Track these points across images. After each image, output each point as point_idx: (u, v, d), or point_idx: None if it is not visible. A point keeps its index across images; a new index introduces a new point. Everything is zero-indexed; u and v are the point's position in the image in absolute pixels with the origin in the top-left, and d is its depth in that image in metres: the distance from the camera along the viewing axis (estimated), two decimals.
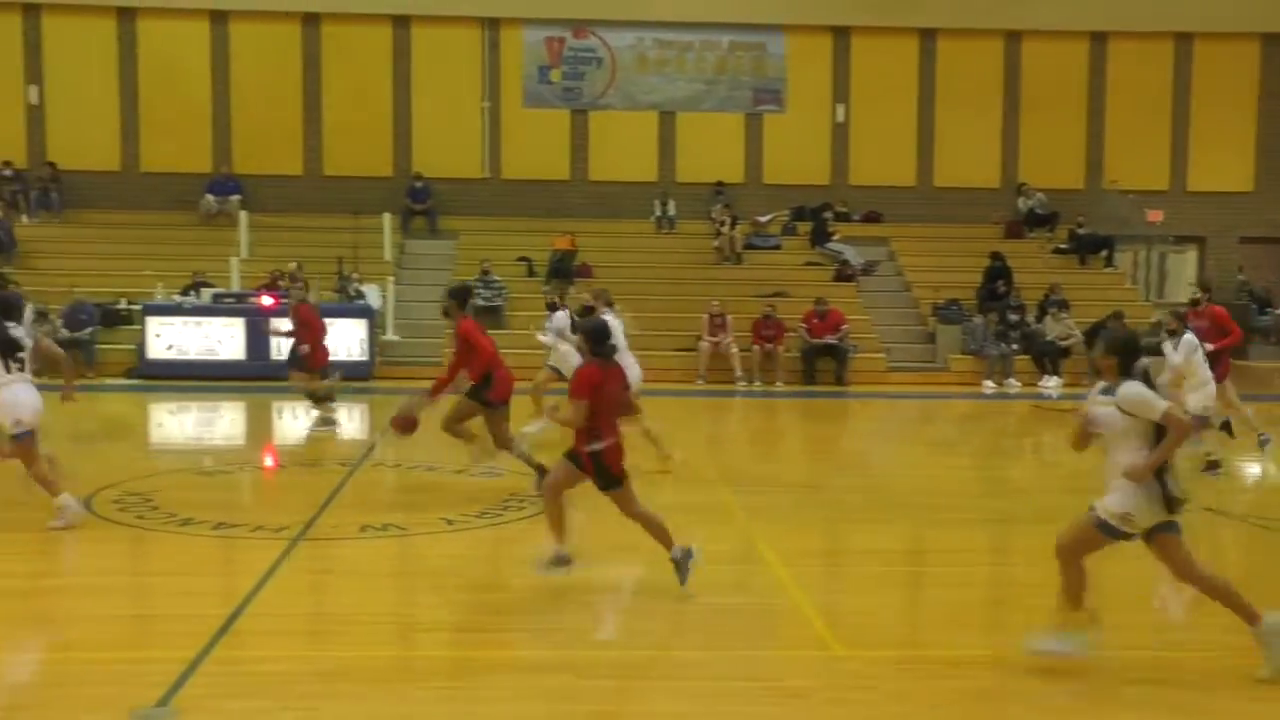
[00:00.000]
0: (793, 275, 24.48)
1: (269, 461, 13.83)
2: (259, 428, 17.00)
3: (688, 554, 7.96)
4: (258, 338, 20.19)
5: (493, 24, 25.78)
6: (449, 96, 25.64)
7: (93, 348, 20.40)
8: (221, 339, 20.30)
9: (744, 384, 21.47)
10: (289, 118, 25.35)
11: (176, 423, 17.76)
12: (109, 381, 19.89)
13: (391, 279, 22.63)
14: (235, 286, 21.65)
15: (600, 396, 7.71)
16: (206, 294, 21.09)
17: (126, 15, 24.99)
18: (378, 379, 20.56)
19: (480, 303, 22.49)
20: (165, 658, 6.79)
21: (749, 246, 25.26)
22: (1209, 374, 12.23)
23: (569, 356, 13.94)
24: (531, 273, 24.04)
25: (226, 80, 25.27)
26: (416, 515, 10.54)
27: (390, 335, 21.89)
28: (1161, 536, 6.48)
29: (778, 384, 21.66)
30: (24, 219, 24.00)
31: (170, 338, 20.34)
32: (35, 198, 24.27)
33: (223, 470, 12.91)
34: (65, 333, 20.27)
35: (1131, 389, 6.39)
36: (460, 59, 25.71)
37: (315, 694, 6.33)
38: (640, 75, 26.33)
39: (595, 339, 7.93)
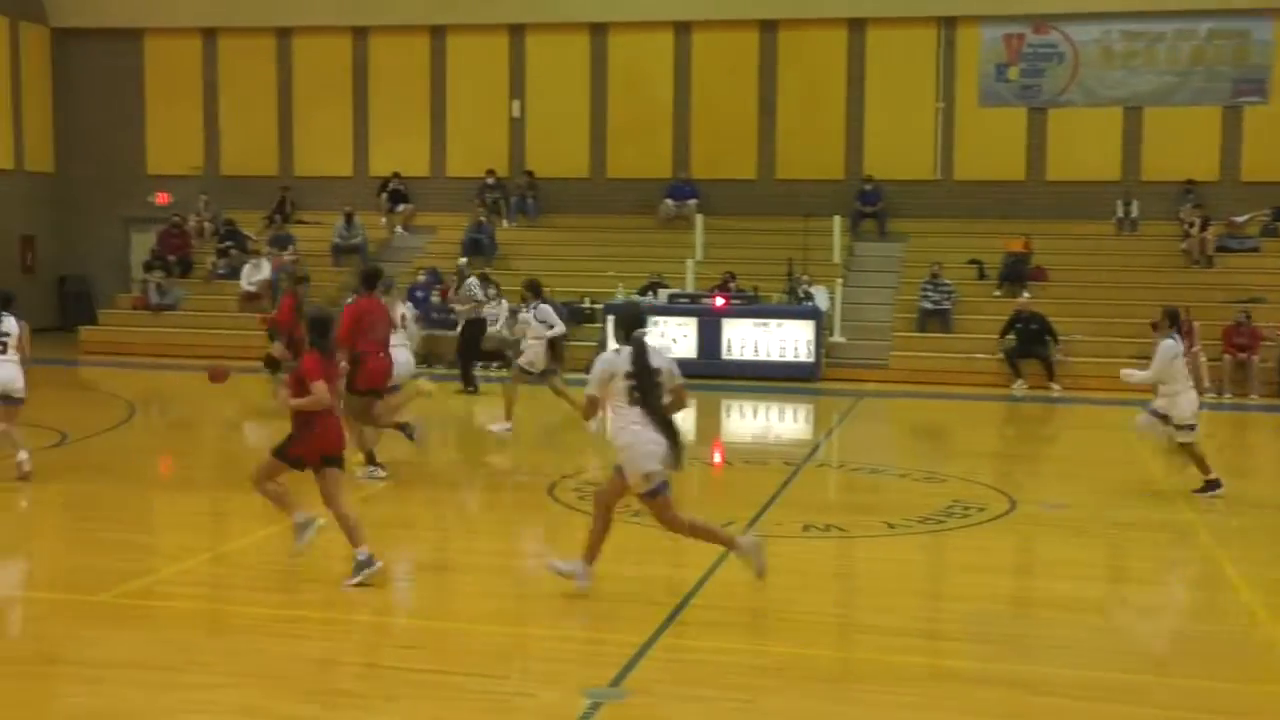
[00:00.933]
0: (1272, 280, 22.53)
1: (716, 458, 14.24)
2: (708, 425, 17.54)
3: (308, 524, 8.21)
4: (710, 337, 20.85)
5: (949, 23, 25.35)
6: (902, 98, 25.44)
7: (560, 344, 21.72)
8: (675, 338, 21.08)
9: (1212, 396, 19.98)
10: (745, 123, 25.99)
11: None
12: (573, 376, 21.10)
13: (840, 281, 22.74)
14: (689, 287, 22.45)
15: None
16: (662, 294, 21.99)
17: (598, 30, 26.48)
18: (825, 380, 20.71)
19: (928, 306, 22.20)
20: (617, 641, 7.15)
21: (1221, 249, 23.48)
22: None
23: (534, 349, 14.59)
24: (982, 275, 23.45)
25: (687, 88, 26.24)
26: (858, 517, 10.55)
27: (837, 337, 22.00)
28: None
29: (1252, 396, 20.04)
30: (504, 223, 25.95)
31: None
32: (514, 204, 26.19)
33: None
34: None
35: None
36: (914, 59, 25.45)
37: (754, 687, 6.47)
38: (1105, 69, 25.08)
39: (317, 331, 8.32)
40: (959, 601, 8.29)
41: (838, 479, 12.97)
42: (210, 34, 27.58)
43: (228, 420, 16.64)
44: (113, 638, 7.09)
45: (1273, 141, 24.37)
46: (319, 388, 8.04)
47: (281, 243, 24.91)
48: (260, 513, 10.57)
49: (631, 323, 8.39)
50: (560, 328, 15.03)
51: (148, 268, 25.32)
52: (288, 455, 8.23)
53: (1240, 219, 24.06)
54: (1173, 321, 11.57)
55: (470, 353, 19.31)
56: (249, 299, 23.56)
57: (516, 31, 26.65)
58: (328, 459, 8.22)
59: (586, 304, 22.69)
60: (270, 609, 7.74)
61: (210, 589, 8.38)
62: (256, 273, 23.70)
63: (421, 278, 23.38)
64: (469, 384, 18.80)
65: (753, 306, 21.43)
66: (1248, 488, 13.22)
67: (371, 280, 11.77)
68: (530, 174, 26.28)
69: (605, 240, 24.92)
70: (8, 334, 11.16)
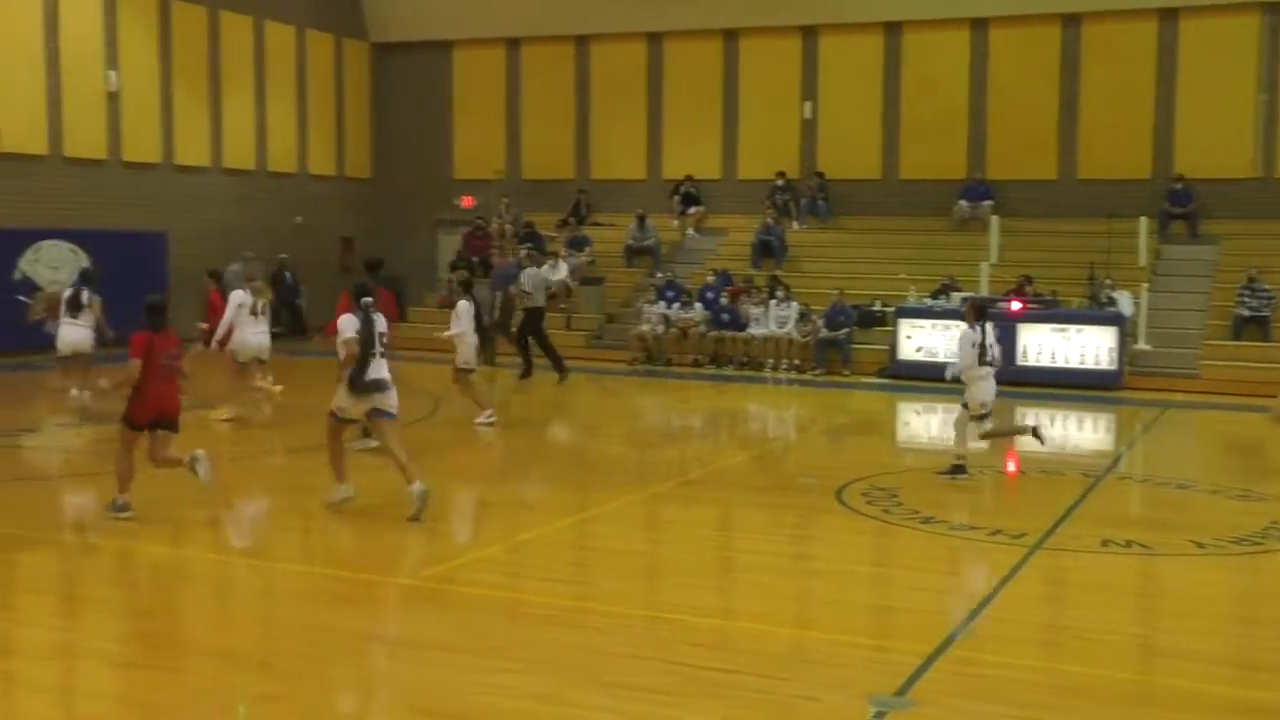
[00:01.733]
0: None
1: (1011, 466, 13.80)
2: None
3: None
4: (1005, 342, 20.14)
5: (1273, 8, 23.76)
6: (1218, 91, 24.00)
7: (849, 347, 21.58)
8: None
9: None
10: (1044, 121, 25.10)
11: (923, 423, 18.29)
12: (862, 380, 20.93)
13: (1145, 286, 21.66)
14: (983, 291, 21.86)
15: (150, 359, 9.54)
16: (955, 297, 21.50)
17: (892, 29, 26.11)
18: (1127, 389, 19.78)
19: (1245, 312, 20.90)
20: (903, 649, 7.04)
21: None
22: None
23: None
24: None
25: (983, 87, 25.56)
26: (1164, 534, 10.03)
27: (1142, 344, 20.96)
28: None
29: None
30: (794, 225, 25.92)
31: (920, 339, 20.98)
32: (804, 205, 26.13)
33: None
34: (825, 332, 21.63)
35: None
36: (1233, 49, 23.97)
37: (1046, 705, 6.25)
38: None
39: (150, 313, 9.81)
40: (1275, 629, 7.77)
41: (1141, 493, 12.37)
42: (514, 44, 28.66)
43: (525, 415, 17.23)
44: (418, 618, 7.47)
45: None
46: (134, 364, 9.64)
47: (577, 244, 25.64)
48: (555, 505, 10.94)
49: (360, 292, 10.26)
50: (457, 328, 14.98)
51: (452, 268, 26.54)
52: (128, 419, 9.80)
53: None
54: (979, 314, 12.04)
55: (526, 338, 20.05)
56: (551, 297, 24.33)
57: (809, 33, 26.58)
58: (158, 423, 9.85)
59: (877, 307, 22.41)
60: (563, 599, 7.98)
61: (507, 577, 8.71)
62: (554, 272, 24.46)
63: (711, 279, 23.62)
64: (527, 369, 19.73)
65: (1051, 311, 20.68)
66: None
67: (374, 268, 13.82)
68: (821, 175, 26.16)
69: (897, 242, 24.56)
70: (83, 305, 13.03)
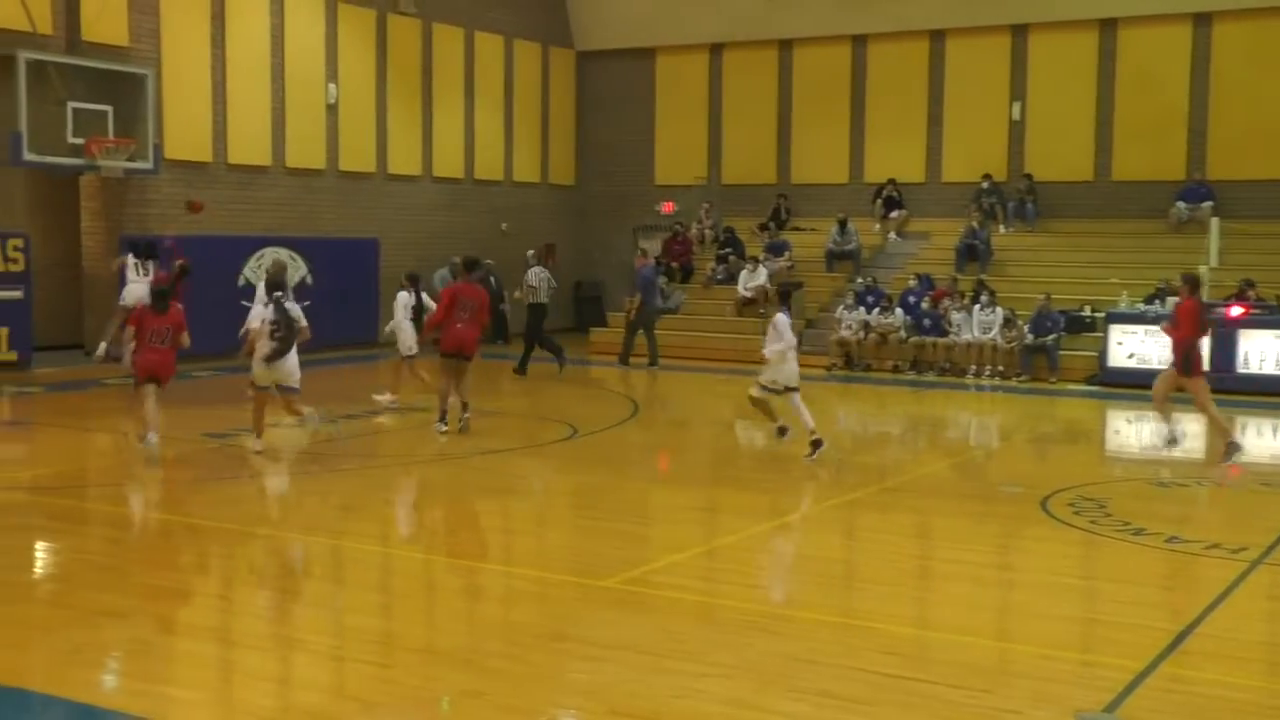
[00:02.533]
0: None
1: (1230, 478, 13.19)
2: (1220, 442, 16.27)
3: None
4: (1224, 349, 19.37)
5: None
6: None
7: (1056, 353, 20.95)
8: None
9: None
10: (1271, 118, 23.90)
11: (1134, 431, 17.63)
12: (1069, 387, 20.30)
13: None
14: (1202, 296, 20.92)
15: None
16: (1170, 302, 20.64)
17: (1107, 26, 25.25)
18: None
19: None
20: (1112, 665, 6.81)
21: None
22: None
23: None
24: None
25: (1205, 83, 24.48)
26: None
27: None
28: None
29: None
30: (1000, 229, 25.30)
31: (1131, 346, 20.22)
32: (1011, 208, 25.47)
33: (1179, 483, 12.58)
34: (1030, 338, 21.04)
35: None
36: None
37: None
38: None
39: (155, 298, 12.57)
40: None
41: None
42: (717, 49, 28.75)
43: (723, 419, 17.27)
44: (614, 620, 7.56)
45: None
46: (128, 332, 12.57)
47: (777, 249, 25.57)
48: (750, 511, 10.94)
49: (274, 286, 12.68)
50: (394, 320, 16.56)
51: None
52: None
53: None
54: (783, 299, 13.58)
55: (534, 337, 20.62)
56: (746, 303, 24.36)
57: (1019, 32, 25.92)
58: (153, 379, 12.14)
59: (1087, 312, 21.70)
60: (757, 605, 7.97)
61: (702, 581, 8.74)
62: (753, 278, 24.46)
63: (912, 283, 23.26)
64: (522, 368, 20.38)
65: (1275, 317, 19.70)
66: None
67: (471, 266, 15.16)
68: (1029, 177, 25.47)
69: (1109, 245, 23.73)
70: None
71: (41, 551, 9.48)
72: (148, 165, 19.92)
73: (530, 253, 22.78)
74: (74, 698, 6.29)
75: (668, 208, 28.64)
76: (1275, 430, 17.09)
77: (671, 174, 29.06)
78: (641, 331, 22.15)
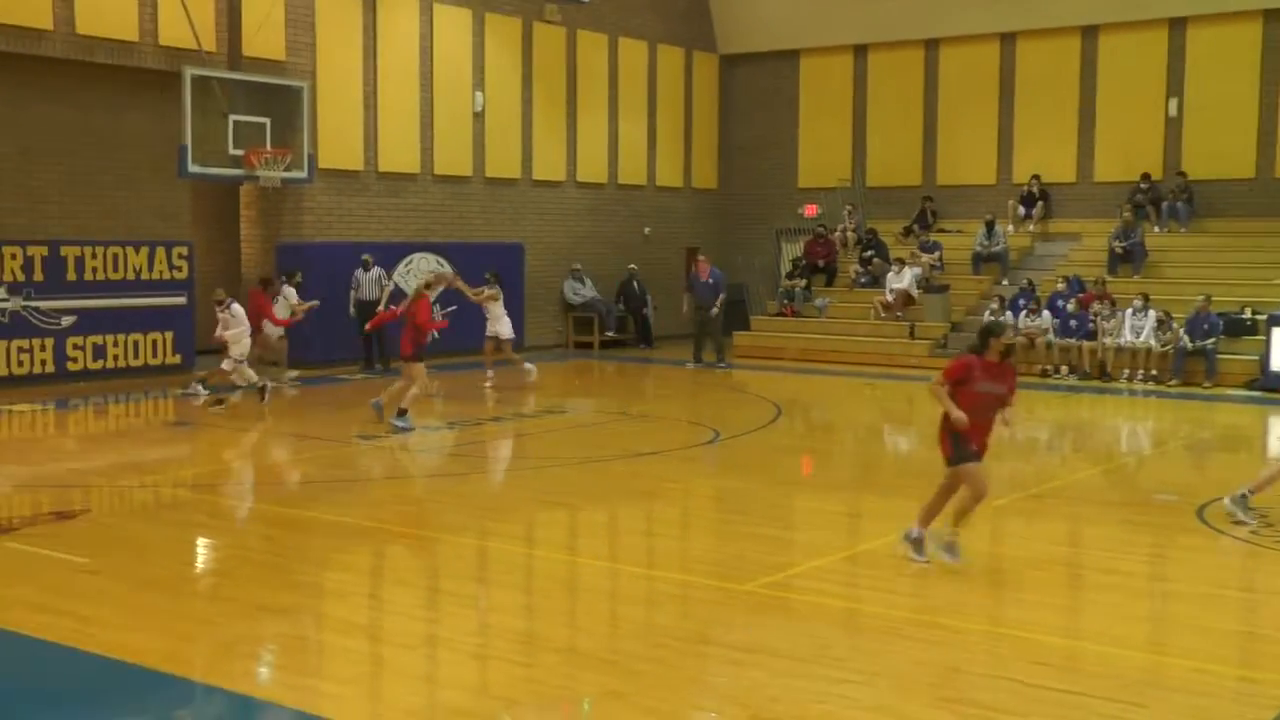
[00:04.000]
0: None
1: None
2: None
3: None
4: None
5: None
6: None
7: (1214, 357, 20.27)
8: None
9: None
10: None
11: None
12: (1229, 392, 19.63)
13: None
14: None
15: None
16: None
17: (1272, 16, 24.35)
18: None
19: None
20: (1272, 681, 6.61)
21: None
22: None
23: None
24: None
25: None
26: None
27: None
28: None
29: None
30: (1155, 229, 24.58)
31: None
32: (1165, 208, 24.72)
33: None
34: (1187, 341, 20.40)
35: None
36: None
37: None
38: None
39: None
40: None
41: None
42: (861, 50, 28.50)
43: (867, 424, 17.13)
44: (754, 624, 7.56)
45: None
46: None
47: (929, 249, 25.25)
48: (894, 515, 10.82)
49: None
50: (234, 328, 16.83)
51: (790, 276, 26.72)
52: None
53: None
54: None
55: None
56: (889, 306, 24.10)
57: (1176, 25, 25.14)
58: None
59: (1247, 314, 20.95)
60: (901, 611, 7.89)
61: (844, 587, 8.69)
62: (898, 280, 24.19)
63: (1061, 286, 22.74)
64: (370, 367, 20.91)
65: None
66: None
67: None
68: (1183, 175, 24.69)
69: (1271, 245, 22.88)
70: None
71: (203, 547, 9.86)
72: (303, 175, 20.53)
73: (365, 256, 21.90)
74: (232, 689, 6.53)
75: (810, 210, 28.47)
76: None
77: (814, 177, 28.87)
78: (709, 336, 22.77)
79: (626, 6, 27.61)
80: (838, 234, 27.26)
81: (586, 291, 26.26)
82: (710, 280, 22.68)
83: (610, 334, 26.25)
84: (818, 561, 9.15)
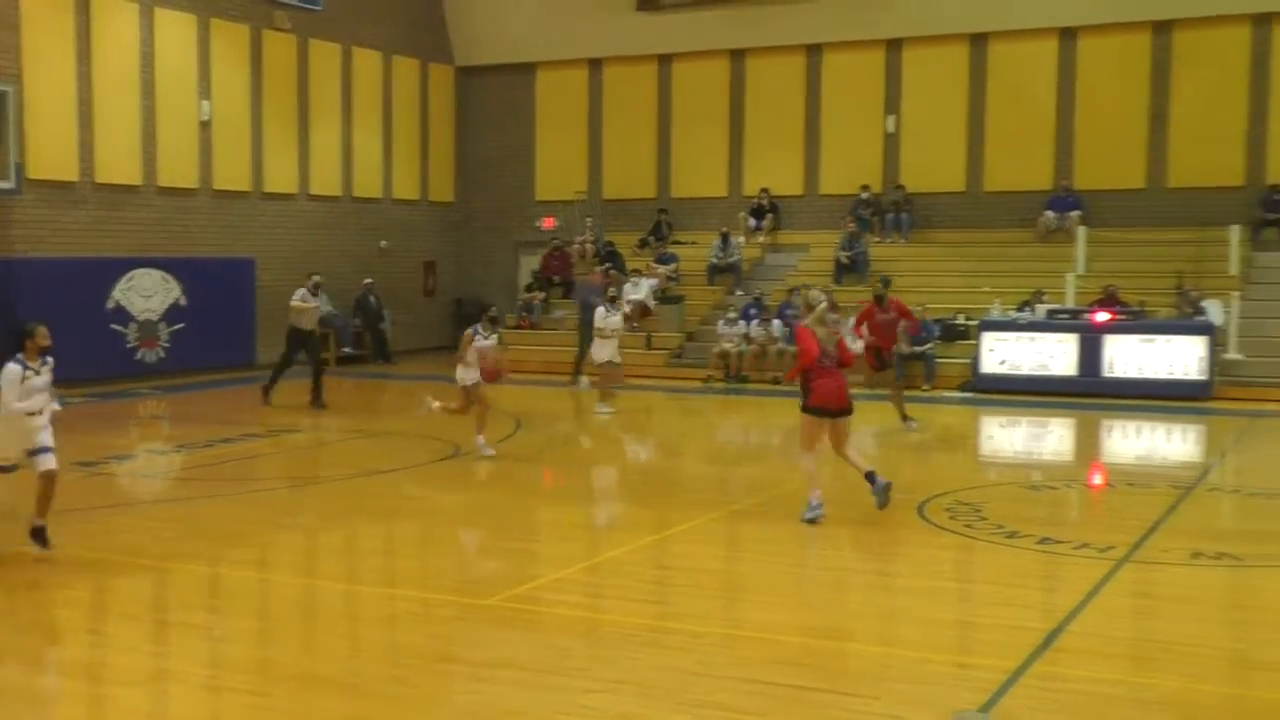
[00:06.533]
0: None
1: (1097, 479, 13.61)
2: (1088, 445, 16.79)
3: None
4: (1090, 354, 19.98)
5: None
6: None
7: (933, 362, 21.38)
8: (1054, 355, 20.32)
9: None
10: (1133, 130, 24.71)
11: (1006, 436, 18.09)
12: (945, 394, 20.72)
13: (1237, 294, 21.21)
14: (1070, 303, 21.56)
15: None
16: (1040, 309, 21.22)
17: (978, 41, 25.87)
18: (1217, 399, 19.39)
19: None
20: (988, 665, 6.98)
21: None
22: None
23: None
24: None
25: (1071, 96, 25.21)
26: (1256, 546, 9.84)
27: (1233, 354, 20.53)
28: None
29: None
30: (877, 240, 25.74)
31: (1003, 353, 20.74)
32: (889, 220, 25.93)
33: (1050, 486, 12.93)
34: (905, 347, 21.41)
35: None
36: None
37: None
38: None
39: None
40: None
41: (1232, 504, 12.10)
42: (596, 64, 28.85)
43: (607, 434, 17.31)
44: (499, 639, 7.53)
45: None
46: None
47: (665, 261, 25.73)
48: (635, 524, 10.97)
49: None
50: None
51: (528, 289, 26.81)
52: None
53: None
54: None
55: (286, 361, 19.11)
56: (626, 317, 24.43)
57: (893, 46, 26.44)
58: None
59: (960, 320, 22.18)
60: (643, 619, 8.00)
61: (587, 597, 8.75)
62: (634, 291, 24.56)
63: (795, 296, 23.57)
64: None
65: (1138, 322, 20.35)
66: None
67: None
68: (903, 188, 25.97)
69: (982, 255, 24.29)
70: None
71: None
72: (9, 185, 19.37)
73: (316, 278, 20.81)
74: None
75: (548, 223, 28.63)
76: (1139, 432, 17.64)
77: (552, 190, 29.05)
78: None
79: (360, 15, 27.15)
80: (576, 246, 27.49)
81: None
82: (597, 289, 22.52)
83: (347, 350, 25.73)
84: (561, 573, 9.19)
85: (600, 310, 18.92)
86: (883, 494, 10.63)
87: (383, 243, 27.64)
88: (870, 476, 10.71)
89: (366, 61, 27.39)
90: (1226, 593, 8.85)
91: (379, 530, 11.00)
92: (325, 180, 26.55)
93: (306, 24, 25.78)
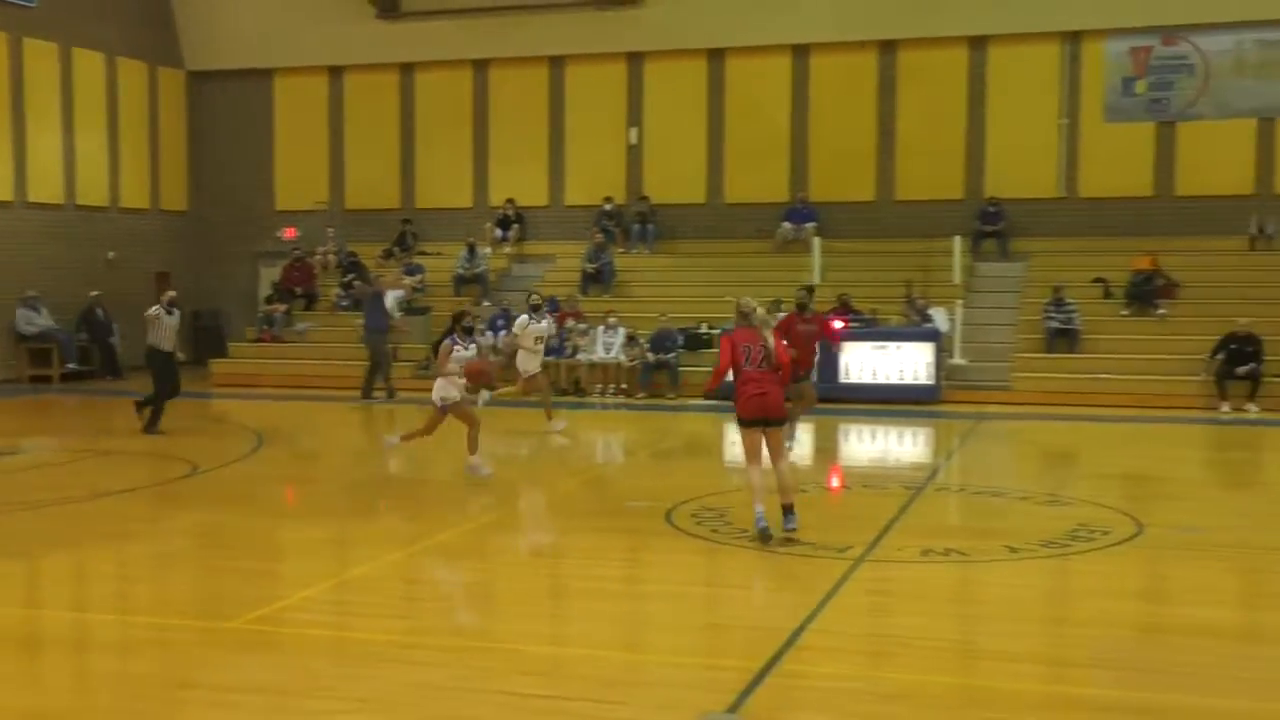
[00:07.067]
0: None
1: (834, 482, 14.13)
2: (827, 448, 17.40)
3: None
4: (828, 360, 20.71)
5: (1073, 38, 24.89)
6: (1024, 115, 25.03)
7: (677, 370, 21.80)
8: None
9: None
10: (863, 145, 25.82)
11: None
12: (690, 401, 21.15)
13: (960, 302, 22.42)
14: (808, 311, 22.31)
15: None
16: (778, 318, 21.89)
17: (715, 55, 26.55)
18: (944, 402, 20.43)
19: (1056, 325, 21.78)
20: (734, 666, 7.12)
21: None
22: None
23: None
24: (1108, 294, 22.94)
25: (805, 111, 26.15)
26: (980, 541, 10.37)
27: (957, 359, 21.68)
28: None
29: None
30: (622, 250, 26.09)
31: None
32: (635, 231, 26.31)
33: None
34: (651, 356, 21.80)
35: None
36: (1037, 76, 25.03)
37: (874, 714, 6.40)
38: (1237, 80, 24.37)
39: None
40: (1084, 627, 8.09)
41: (958, 502, 12.75)
42: (337, 71, 28.28)
43: (351, 448, 16.96)
44: (241, 663, 7.26)
45: None
46: None
47: (411, 273, 25.40)
48: (382, 539, 10.77)
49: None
50: None
51: (269, 301, 26.06)
52: None
53: None
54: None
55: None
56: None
57: (635, 59, 26.86)
58: None
59: (704, 329, 22.69)
60: (390, 635, 7.85)
61: (334, 615, 8.54)
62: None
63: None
64: None
65: (871, 329, 21.25)
66: None
67: None
68: (646, 200, 26.40)
69: (723, 265, 24.91)
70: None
71: None
72: None
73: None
74: None
75: (289, 233, 27.89)
76: (874, 435, 18.40)
77: (293, 199, 28.35)
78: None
79: (80, 14, 25.86)
80: (319, 257, 26.87)
81: (42, 321, 24.29)
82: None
83: (72, 366, 24.43)
84: (306, 592, 8.93)
85: (522, 319, 18.03)
86: (783, 530, 10.03)
87: (110, 253, 26.37)
88: (787, 510, 10.12)
89: (88, 63, 26.13)
90: (954, 587, 9.31)
91: (108, 555, 10.44)
92: (45, 187, 25.18)
93: (19, 21, 24.42)
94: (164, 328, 16.80)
